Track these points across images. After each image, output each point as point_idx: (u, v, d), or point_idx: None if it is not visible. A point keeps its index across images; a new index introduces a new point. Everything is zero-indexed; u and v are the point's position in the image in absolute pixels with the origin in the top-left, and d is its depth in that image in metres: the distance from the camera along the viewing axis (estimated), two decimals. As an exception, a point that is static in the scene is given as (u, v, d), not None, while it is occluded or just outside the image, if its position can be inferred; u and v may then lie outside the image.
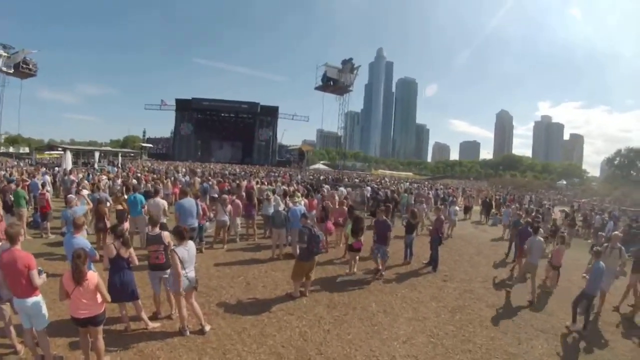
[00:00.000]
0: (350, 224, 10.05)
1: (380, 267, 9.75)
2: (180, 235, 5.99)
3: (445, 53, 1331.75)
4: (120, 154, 50.05)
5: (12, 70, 49.88)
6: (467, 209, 23.19)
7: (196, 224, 9.95)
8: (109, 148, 71.15)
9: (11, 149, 72.31)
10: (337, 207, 13.13)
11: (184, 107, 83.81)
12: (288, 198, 13.79)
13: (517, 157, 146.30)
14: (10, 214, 11.51)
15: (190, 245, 6.09)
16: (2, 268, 4.93)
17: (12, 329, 5.52)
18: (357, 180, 41.19)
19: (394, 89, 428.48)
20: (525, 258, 9.55)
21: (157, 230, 6.65)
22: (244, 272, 9.35)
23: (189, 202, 9.91)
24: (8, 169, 29.72)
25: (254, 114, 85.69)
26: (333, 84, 60.66)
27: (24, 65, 50.38)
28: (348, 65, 61.08)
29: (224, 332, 6.32)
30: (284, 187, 19.41)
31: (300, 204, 11.33)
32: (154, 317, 6.64)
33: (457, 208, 17.89)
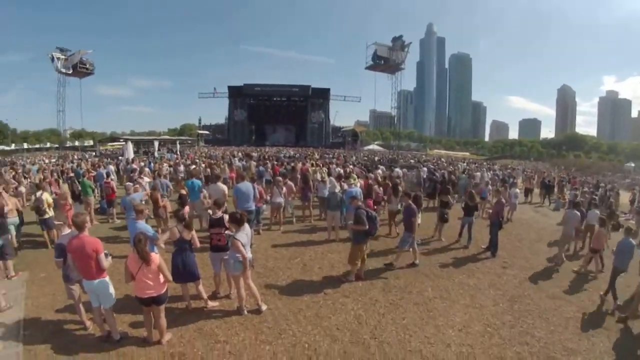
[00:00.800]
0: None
1: (413, 256, 9.21)
2: (238, 221, 6.09)
3: (500, 25, 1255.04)
4: (178, 142, 51.91)
5: (70, 71, 53.81)
6: (527, 192, 21.72)
7: (253, 207, 10.07)
8: (167, 137, 74.42)
9: (77, 143, 76.96)
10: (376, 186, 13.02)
11: (236, 94, 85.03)
12: (344, 180, 13.57)
13: (580, 136, 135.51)
14: (78, 202, 12.51)
15: (247, 228, 6.20)
16: (72, 253, 5.28)
17: (81, 307, 6.02)
18: (412, 161, 40.03)
19: (447, 66, 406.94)
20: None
21: (219, 213, 6.80)
22: (300, 253, 9.46)
23: (246, 185, 10.01)
24: (75, 161, 31.56)
25: (305, 97, 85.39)
26: (384, 63, 59.37)
27: (81, 66, 53.95)
28: (398, 43, 59.38)
29: (280, 313, 6.45)
30: (339, 169, 19.23)
31: (356, 186, 11.18)
32: (213, 297, 6.91)
33: (517, 190, 16.87)
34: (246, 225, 6.21)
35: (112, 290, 5.52)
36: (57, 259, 5.77)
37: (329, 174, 15.04)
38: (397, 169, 21.20)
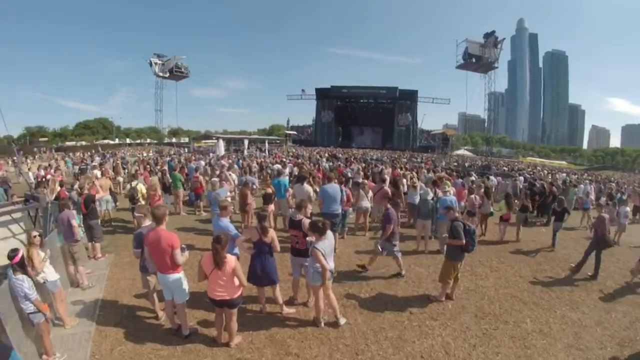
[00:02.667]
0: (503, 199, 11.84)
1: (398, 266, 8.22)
2: (319, 230, 5.55)
3: (600, 18, 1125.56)
4: (267, 141, 53.14)
5: (167, 75, 59.71)
6: (636, 210, 18.19)
7: (340, 210, 9.60)
8: (256, 136, 77.11)
9: (173, 139, 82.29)
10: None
11: (323, 96, 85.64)
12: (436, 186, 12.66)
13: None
14: (168, 194, 13.26)
15: (330, 236, 5.67)
16: (148, 245, 5.26)
17: (155, 297, 6.09)
18: (505, 168, 37.30)
19: (540, 64, 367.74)
20: None
21: (300, 216, 6.38)
22: (385, 263, 8.63)
23: (333, 188, 9.52)
24: (170, 155, 33.49)
25: (393, 99, 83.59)
26: (476, 61, 56.57)
27: (177, 69, 58.82)
28: (491, 39, 56.11)
29: (360, 329, 5.88)
30: (430, 174, 18.20)
31: (450, 194, 10.24)
32: (290, 302, 6.56)
33: (628, 209, 14.09)
34: (329, 234, 5.68)
35: (185, 286, 5.44)
36: (135, 249, 5.83)
37: (418, 179, 14.11)
38: (492, 177, 19.72)
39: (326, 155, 36.25)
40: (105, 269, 8.47)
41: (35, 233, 5.83)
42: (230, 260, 4.86)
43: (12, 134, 75.76)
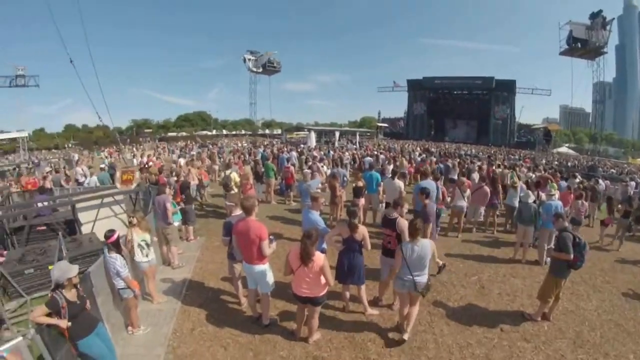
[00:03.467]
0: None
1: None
2: (414, 233, 5.04)
3: None
4: (357, 134, 52.98)
5: (260, 70, 62.24)
6: None
7: (434, 208, 8.76)
8: (347, 128, 77.24)
9: (267, 131, 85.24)
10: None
11: (415, 87, 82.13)
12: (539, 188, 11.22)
13: None
14: (260, 183, 13.60)
15: (423, 244, 5.05)
16: (237, 235, 5.30)
17: (239, 284, 6.21)
18: (613, 170, 33.08)
19: None
20: None
21: (395, 214, 5.99)
22: (478, 270, 8.08)
23: (429, 184, 8.91)
24: (263, 146, 34.60)
25: (488, 90, 76.79)
26: (582, 46, 50.86)
27: (269, 64, 61.17)
28: (598, 20, 50.02)
29: (445, 342, 5.44)
30: (531, 173, 16.81)
31: (555, 197, 9.08)
32: (374, 303, 6.28)
33: None
34: (422, 241, 5.14)
35: (270, 277, 5.42)
36: (224, 237, 5.94)
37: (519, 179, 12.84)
38: (601, 181, 17.69)
39: (419, 149, 35.11)
40: (195, 251, 8.89)
41: (137, 216, 6.31)
42: (319, 258, 4.68)
43: (121, 126, 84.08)
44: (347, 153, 23.76)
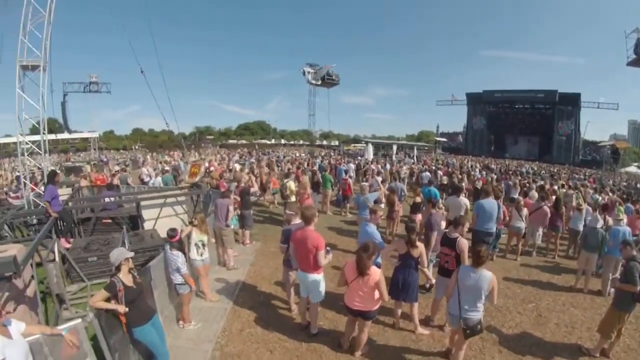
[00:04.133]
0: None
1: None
2: (479, 260, 4.55)
3: None
4: (415, 147, 52.33)
5: (319, 82, 62.99)
6: None
7: (494, 229, 8.65)
8: (405, 142, 76.48)
9: (324, 142, 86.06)
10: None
11: (475, 101, 79.52)
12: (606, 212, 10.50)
13: None
14: (317, 193, 13.73)
15: (483, 275, 4.53)
16: (294, 243, 5.39)
17: (292, 290, 6.29)
18: None
19: None
20: None
21: (455, 233, 5.73)
22: (536, 297, 7.62)
23: (490, 203, 8.47)
24: (321, 157, 34.91)
25: (551, 104, 72.20)
26: None
27: (328, 77, 61.98)
28: None
29: (496, 371, 5.15)
30: (597, 195, 15.78)
31: (623, 223, 8.33)
32: (425, 322, 6.10)
33: None
34: (483, 273, 4.66)
35: (323, 287, 5.43)
36: (281, 244, 6.07)
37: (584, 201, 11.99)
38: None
39: (478, 165, 34.06)
40: (251, 254, 9.14)
41: (198, 217, 6.65)
42: (375, 272, 4.60)
43: (185, 132, 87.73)
44: (404, 167, 23.50)
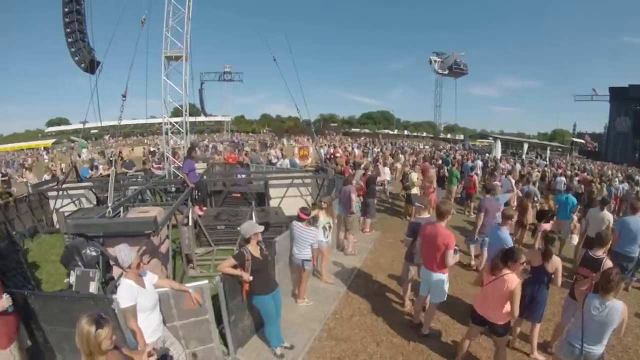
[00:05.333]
0: None
1: None
2: (606, 286, 3.72)
3: None
4: (548, 148, 48.08)
5: (446, 72, 59.95)
6: None
7: (636, 254, 7.11)
8: (536, 140, 70.22)
9: (448, 135, 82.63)
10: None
11: (619, 97, 64.36)
12: None
13: None
14: (441, 188, 13.36)
15: (614, 306, 3.66)
16: (423, 238, 5.15)
17: (409, 286, 6.07)
18: None
19: None
20: None
21: (599, 252, 4.93)
22: None
23: (637, 222, 7.00)
24: (446, 151, 33.75)
25: None
26: None
27: (456, 67, 58.85)
28: None
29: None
30: None
31: None
32: (543, 347, 5.35)
33: None
34: (615, 303, 3.78)
35: (445, 288, 5.11)
36: (407, 237, 5.91)
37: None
38: None
39: (619, 174, 29.86)
40: (369, 243, 9.08)
41: (325, 199, 6.87)
42: (512, 281, 4.10)
43: (309, 119, 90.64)
44: (536, 169, 21.61)
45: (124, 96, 9.38)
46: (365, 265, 7.75)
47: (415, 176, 11.16)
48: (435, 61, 61.98)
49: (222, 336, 4.64)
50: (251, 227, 4.46)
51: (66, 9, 14.38)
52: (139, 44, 10.07)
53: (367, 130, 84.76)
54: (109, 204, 6.30)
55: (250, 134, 75.37)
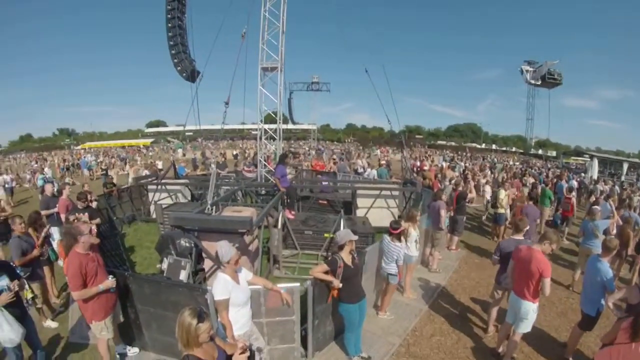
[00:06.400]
0: None
1: None
2: None
3: None
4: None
5: (539, 82, 55.38)
6: None
7: None
8: (637, 160, 63.53)
9: (540, 152, 77.11)
10: None
11: None
12: None
13: None
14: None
15: None
16: (516, 261, 4.83)
17: (495, 311, 5.77)
18: None
19: None
20: None
21: None
22: None
23: None
24: (539, 168, 31.86)
25: None
26: None
27: (549, 76, 54.28)
28: None
29: None
30: None
31: None
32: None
33: None
34: None
35: (532, 318, 4.74)
36: (495, 256, 5.64)
37: None
38: None
39: None
40: (454, 261, 8.88)
41: (417, 213, 6.75)
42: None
43: (397, 130, 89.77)
44: (637, 193, 19.64)
45: (226, 103, 10.39)
46: (449, 284, 7.58)
47: (504, 194, 10.62)
48: (526, 71, 57.91)
49: (302, 338, 4.78)
50: (347, 234, 4.55)
51: (169, 24, 15.79)
52: (235, 55, 10.93)
53: (453, 143, 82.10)
54: (209, 201, 6.71)
55: (335, 142, 76.34)
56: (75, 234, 4.29)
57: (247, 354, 2.84)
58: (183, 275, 6.41)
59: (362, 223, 8.98)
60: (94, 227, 7.00)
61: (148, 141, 71.81)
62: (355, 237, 4.55)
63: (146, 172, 18.07)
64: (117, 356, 4.99)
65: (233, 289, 3.63)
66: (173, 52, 16.31)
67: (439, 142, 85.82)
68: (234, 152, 38.72)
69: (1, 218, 8.54)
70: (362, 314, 4.78)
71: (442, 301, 6.80)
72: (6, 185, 17.19)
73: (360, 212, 10.31)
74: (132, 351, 5.14)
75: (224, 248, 3.71)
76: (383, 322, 5.90)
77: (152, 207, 11.95)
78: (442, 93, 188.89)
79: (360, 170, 18.61)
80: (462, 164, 27.96)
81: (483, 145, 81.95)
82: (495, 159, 40.04)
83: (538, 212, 7.01)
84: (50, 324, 5.94)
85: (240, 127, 58.92)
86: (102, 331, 4.42)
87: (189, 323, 2.52)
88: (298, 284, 4.46)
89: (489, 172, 21.05)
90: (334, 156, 26.80)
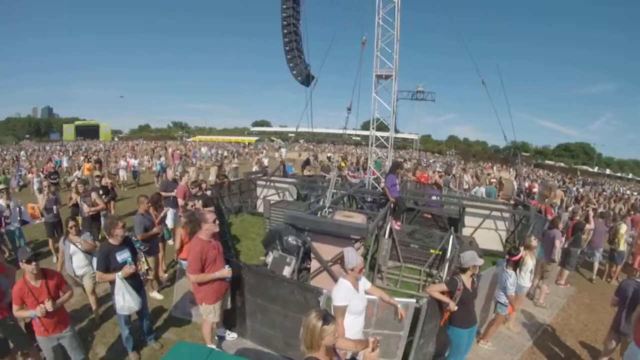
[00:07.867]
0: None
1: None
2: None
3: None
4: None
5: None
6: None
7: None
8: None
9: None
10: None
11: None
12: None
13: None
14: None
15: None
16: None
17: None
18: None
19: None
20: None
21: None
22: None
23: None
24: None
25: None
26: None
27: None
28: None
29: None
30: None
31: None
32: None
33: None
34: None
35: None
36: (615, 297, 5.11)
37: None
38: None
39: None
40: (562, 297, 8.23)
41: (534, 241, 6.35)
42: None
43: (498, 145, 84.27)
44: None
45: (349, 109, 10.93)
46: (555, 322, 7.06)
47: (624, 229, 9.54)
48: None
49: (403, 355, 4.77)
50: (473, 258, 4.41)
51: (285, 30, 16.49)
52: (352, 63, 11.16)
53: (562, 164, 75.33)
54: (327, 204, 6.90)
55: (436, 154, 74.18)
56: (200, 221, 4.70)
57: (377, 351, 2.89)
58: (287, 271, 6.69)
59: (469, 243, 8.57)
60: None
61: (253, 139, 76.21)
62: (481, 262, 4.43)
63: (255, 167, 19.14)
64: (216, 339, 5.34)
65: (353, 297, 3.67)
66: (289, 56, 16.98)
67: (547, 161, 79.27)
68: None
69: (92, 212, 8.39)
70: (471, 340, 4.72)
71: (546, 339, 6.37)
72: (133, 169, 19.24)
73: (465, 231, 9.98)
74: (230, 336, 5.53)
75: (351, 254, 3.77)
76: (484, 352, 5.72)
77: (258, 202, 12.73)
78: (550, 107, 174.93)
79: (465, 186, 17.90)
80: (574, 188, 25.84)
81: (596, 169, 73.55)
82: (622, 188, 36.10)
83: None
84: (156, 295, 6.72)
85: (337, 131, 59.99)
86: (209, 314, 4.78)
87: (315, 325, 2.50)
88: (414, 300, 4.47)
89: (607, 202, 19.06)
90: (439, 169, 26.10)
